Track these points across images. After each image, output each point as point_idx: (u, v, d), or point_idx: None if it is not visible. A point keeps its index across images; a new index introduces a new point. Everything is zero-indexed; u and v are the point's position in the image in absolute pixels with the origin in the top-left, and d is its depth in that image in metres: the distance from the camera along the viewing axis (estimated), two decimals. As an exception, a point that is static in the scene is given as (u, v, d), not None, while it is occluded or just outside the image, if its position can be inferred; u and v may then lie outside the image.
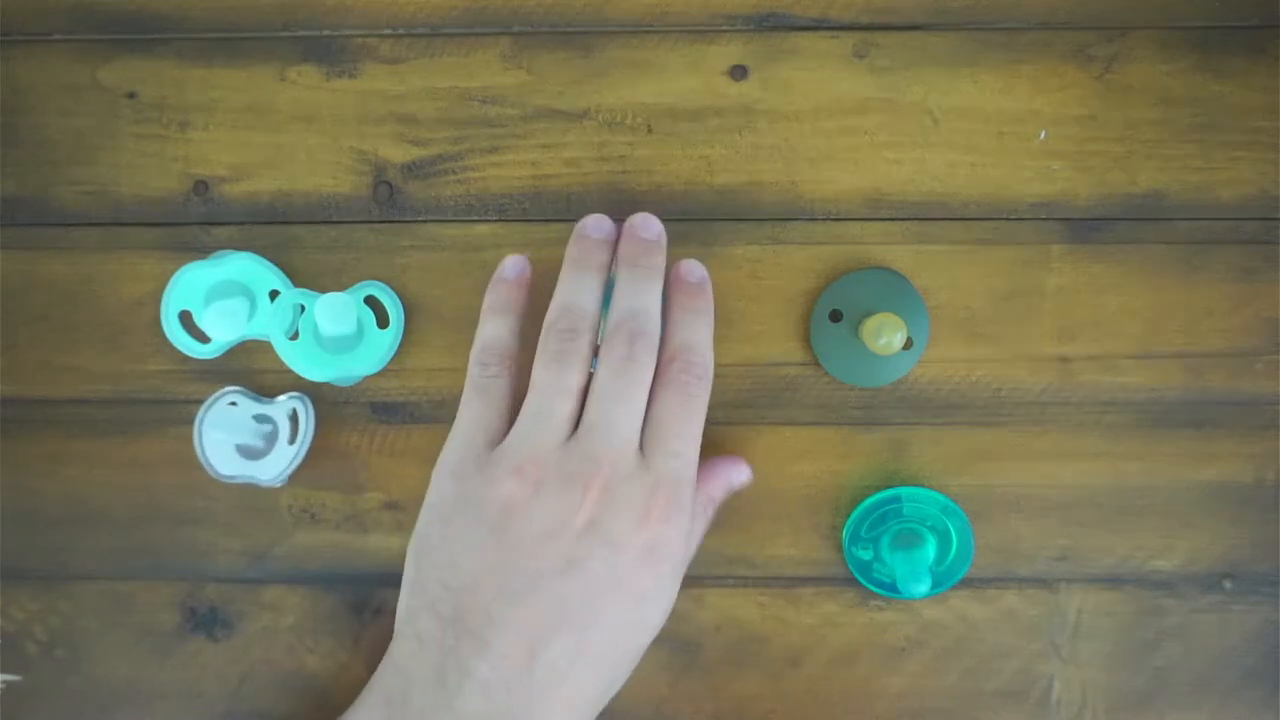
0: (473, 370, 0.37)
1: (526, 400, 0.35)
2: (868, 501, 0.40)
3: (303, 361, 0.40)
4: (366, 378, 0.42)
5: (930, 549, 0.40)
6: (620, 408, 0.34)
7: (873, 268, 0.41)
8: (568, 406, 0.35)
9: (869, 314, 0.40)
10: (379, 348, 0.41)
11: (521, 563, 0.33)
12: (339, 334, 0.40)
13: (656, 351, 0.36)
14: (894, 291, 0.41)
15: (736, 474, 0.39)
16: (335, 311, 0.39)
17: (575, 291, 0.36)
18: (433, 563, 0.34)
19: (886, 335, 0.38)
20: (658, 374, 0.35)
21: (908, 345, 0.40)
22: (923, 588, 0.39)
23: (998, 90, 0.42)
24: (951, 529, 0.40)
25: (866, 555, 0.40)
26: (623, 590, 0.33)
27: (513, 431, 0.35)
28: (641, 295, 0.36)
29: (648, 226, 0.38)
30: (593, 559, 0.33)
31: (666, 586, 0.34)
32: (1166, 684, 0.41)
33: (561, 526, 0.33)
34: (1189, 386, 0.41)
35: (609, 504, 0.33)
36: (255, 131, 0.42)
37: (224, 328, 0.41)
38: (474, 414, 0.36)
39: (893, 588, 0.40)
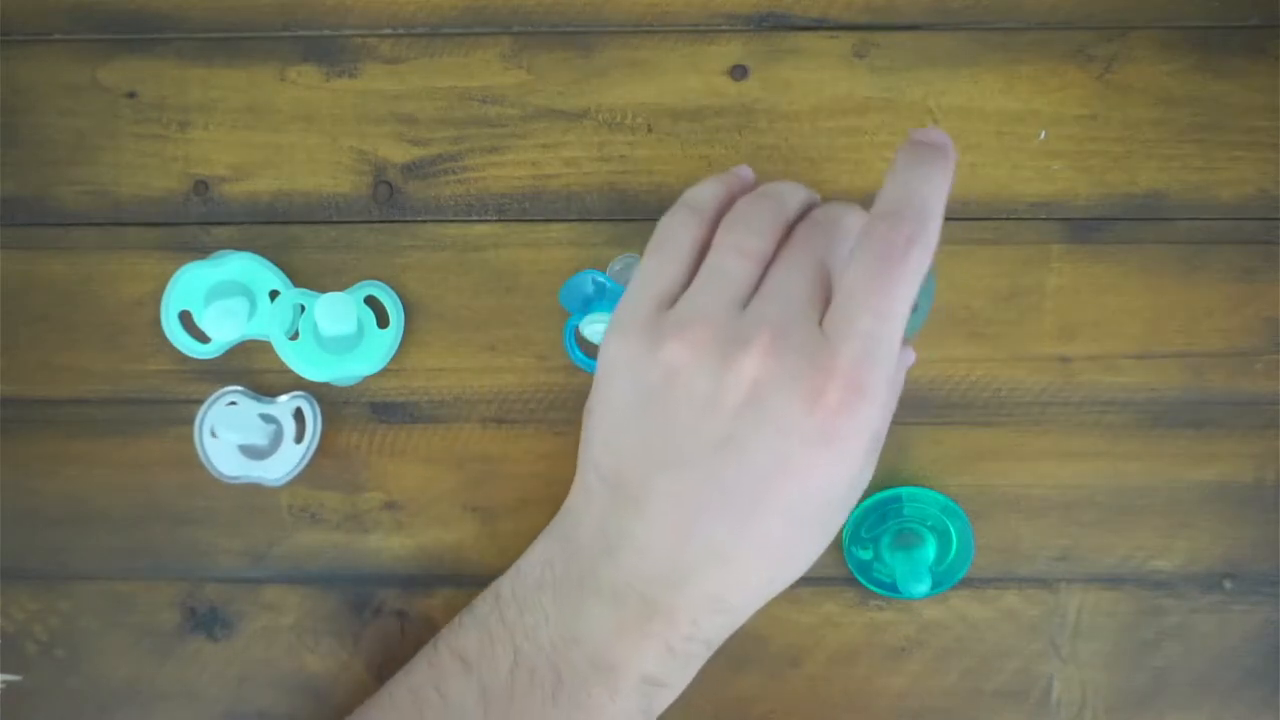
0: (660, 222, 0.33)
1: (704, 261, 0.32)
2: (868, 501, 0.40)
3: (303, 361, 0.40)
4: (366, 378, 0.42)
5: (930, 549, 0.40)
6: (799, 270, 0.31)
7: None
8: (746, 268, 0.31)
9: None
10: (379, 348, 0.41)
11: (678, 433, 0.30)
12: (339, 334, 0.40)
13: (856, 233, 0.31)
14: None
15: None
16: (335, 311, 0.39)
17: (779, 185, 0.34)
18: (597, 422, 0.32)
19: None
20: (861, 234, 0.30)
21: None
22: (923, 588, 0.39)
23: (998, 90, 0.42)
24: (951, 529, 0.40)
25: (866, 555, 0.40)
26: (792, 479, 0.30)
27: (685, 293, 0.31)
28: (843, 219, 0.32)
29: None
30: (753, 440, 0.29)
31: (851, 476, 0.31)
32: (1166, 684, 0.41)
33: (720, 398, 0.30)
34: (1189, 386, 0.41)
35: (772, 378, 0.29)
36: (255, 131, 0.42)
37: (224, 328, 0.41)
38: (649, 268, 0.32)
39: (893, 588, 0.40)
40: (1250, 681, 0.41)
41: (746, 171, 0.36)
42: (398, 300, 0.42)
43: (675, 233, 0.33)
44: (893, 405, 0.33)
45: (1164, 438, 0.41)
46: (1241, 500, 0.41)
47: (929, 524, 0.40)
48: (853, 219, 0.32)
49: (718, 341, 0.30)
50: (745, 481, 0.30)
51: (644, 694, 0.33)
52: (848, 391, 0.29)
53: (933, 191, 0.30)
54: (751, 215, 0.32)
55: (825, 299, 0.30)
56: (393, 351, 0.41)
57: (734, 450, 0.30)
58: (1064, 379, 0.41)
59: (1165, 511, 0.41)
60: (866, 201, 0.41)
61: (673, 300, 0.32)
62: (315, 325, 0.40)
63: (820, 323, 0.30)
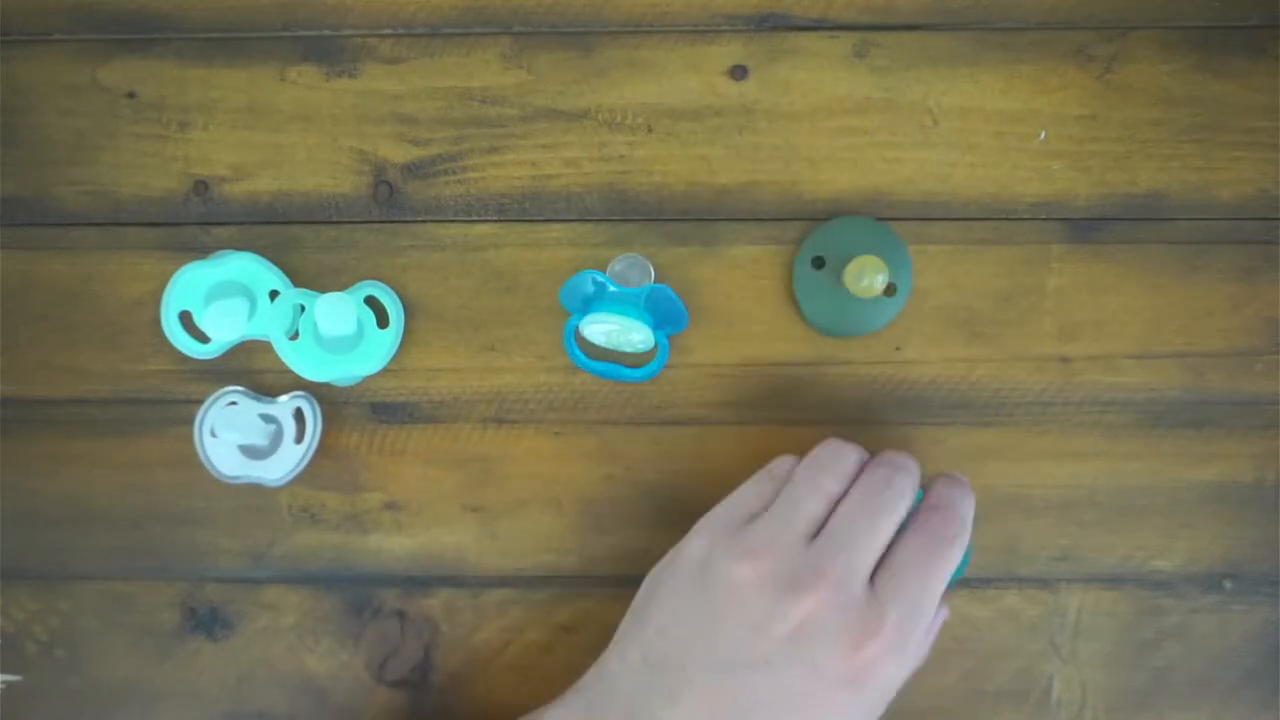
0: (771, 463, 0.37)
1: (784, 490, 0.36)
2: (868, 502, 0.40)
3: (303, 361, 0.40)
4: (366, 378, 0.42)
5: (930, 549, 0.40)
6: (863, 524, 0.34)
7: (856, 216, 0.41)
8: (818, 507, 0.35)
9: (852, 259, 0.39)
10: (379, 348, 0.41)
11: (726, 642, 0.33)
12: (339, 334, 0.40)
13: (914, 497, 0.35)
14: (877, 238, 0.40)
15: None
16: (335, 311, 0.39)
17: (845, 447, 0.37)
18: (657, 605, 0.35)
19: (868, 277, 0.38)
20: (914, 519, 0.35)
21: (890, 291, 0.40)
22: (923, 588, 0.39)
23: (998, 90, 0.42)
24: (951, 529, 0.40)
25: (866, 555, 0.40)
26: (816, 711, 0.33)
27: (762, 517, 0.35)
28: (909, 468, 0.36)
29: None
30: (790, 669, 0.33)
31: (865, 716, 0.34)
32: (1166, 684, 0.41)
33: (769, 624, 0.33)
34: (1189, 386, 0.41)
35: (820, 623, 0.33)
36: (255, 131, 0.42)
37: (224, 328, 0.41)
38: (752, 488, 0.36)
39: (893, 588, 0.40)
40: (1250, 681, 0.41)
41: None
42: (397, 300, 0.42)
43: (767, 476, 0.37)
44: (923, 655, 0.36)
45: (1164, 438, 0.41)
46: (1241, 500, 0.41)
47: (929, 524, 0.40)
48: (916, 476, 0.36)
49: (779, 575, 0.33)
50: (773, 702, 0.33)
51: None
52: (887, 649, 0.33)
53: (968, 506, 0.36)
54: (829, 461, 0.36)
55: (880, 541, 0.34)
56: (393, 352, 0.41)
57: (769, 673, 0.33)
58: (1064, 379, 0.41)
59: (1165, 511, 0.41)
60: (866, 203, 0.41)
61: (755, 517, 0.35)
62: (315, 325, 0.40)
63: (872, 578, 0.34)
